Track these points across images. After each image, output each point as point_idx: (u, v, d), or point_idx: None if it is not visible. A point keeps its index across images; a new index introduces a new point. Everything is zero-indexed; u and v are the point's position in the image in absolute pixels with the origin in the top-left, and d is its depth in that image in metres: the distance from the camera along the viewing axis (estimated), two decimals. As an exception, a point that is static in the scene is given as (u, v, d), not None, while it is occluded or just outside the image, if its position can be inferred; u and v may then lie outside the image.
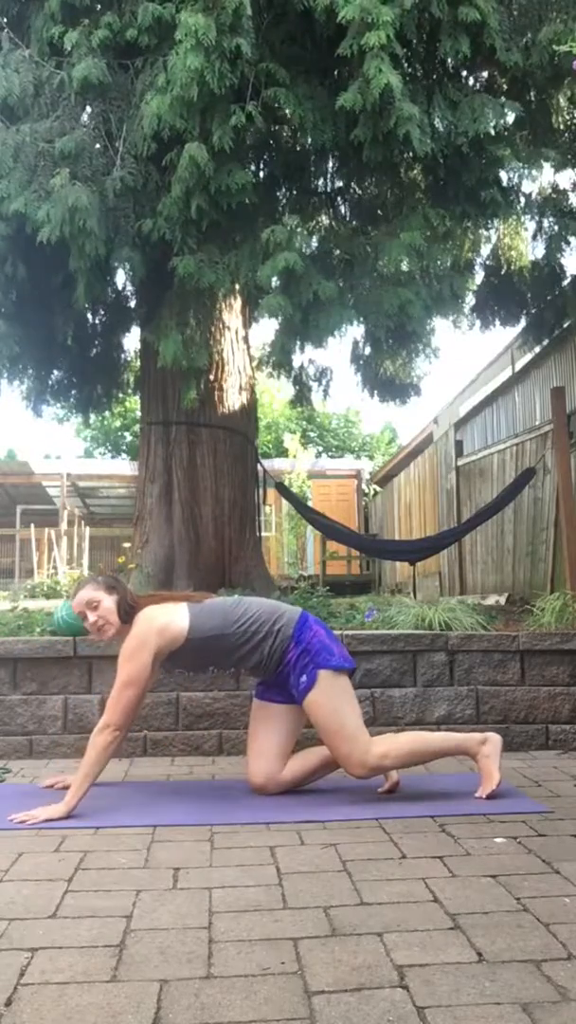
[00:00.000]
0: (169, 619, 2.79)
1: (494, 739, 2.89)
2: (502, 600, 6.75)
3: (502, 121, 4.74)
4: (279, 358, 6.93)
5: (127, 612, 2.86)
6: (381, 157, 4.43)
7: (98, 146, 4.65)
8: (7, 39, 4.85)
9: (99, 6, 4.66)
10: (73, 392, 7.23)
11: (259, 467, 6.71)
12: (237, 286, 5.16)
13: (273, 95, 4.31)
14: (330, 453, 25.27)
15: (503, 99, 4.70)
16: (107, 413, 8.19)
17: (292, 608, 2.95)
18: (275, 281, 4.55)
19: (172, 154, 4.40)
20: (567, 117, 5.64)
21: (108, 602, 2.85)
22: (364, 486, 18.05)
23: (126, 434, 24.96)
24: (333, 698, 2.77)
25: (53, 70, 4.68)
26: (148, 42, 4.41)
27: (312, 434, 25.49)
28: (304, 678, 2.77)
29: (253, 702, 3.04)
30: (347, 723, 2.77)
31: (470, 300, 6.69)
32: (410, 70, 4.62)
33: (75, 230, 4.32)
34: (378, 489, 17.27)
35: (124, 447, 25.21)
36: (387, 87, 3.94)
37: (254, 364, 7.00)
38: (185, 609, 2.83)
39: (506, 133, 4.97)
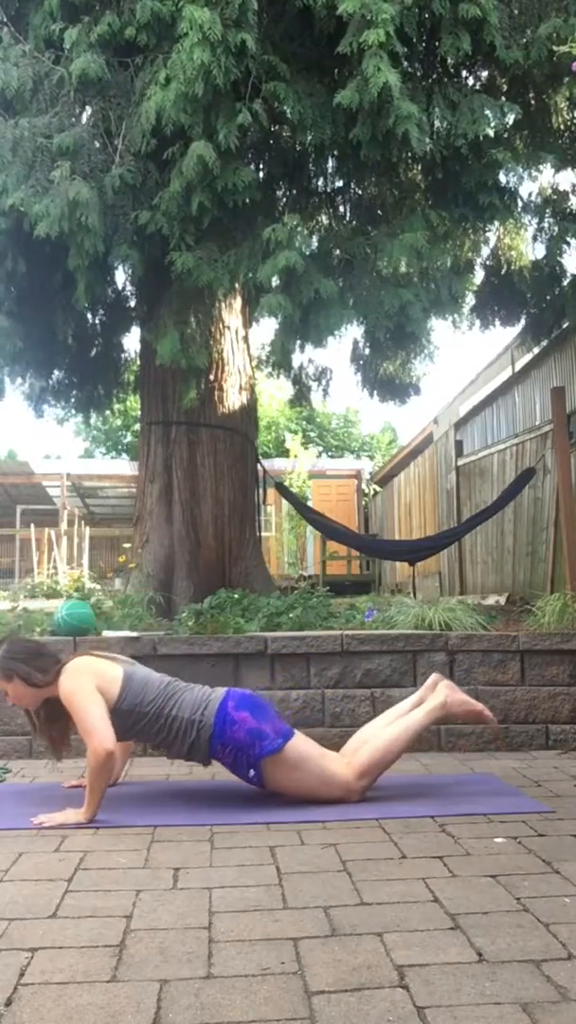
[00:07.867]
0: (103, 667, 2.78)
1: (441, 689, 2.98)
2: (502, 600, 6.74)
3: (502, 123, 4.73)
4: (279, 358, 6.93)
5: (43, 673, 2.79)
6: (379, 156, 4.42)
7: (97, 144, 4.64)
8: (6, 34, 4.84)
9: (98, 5, 4.65)
10: (74, 392, 7.23)
11: (259, 467, 6.71)
12: (237, 285, 5.16)
13: (273, 89, 4.30)
14: (330, 453, 25.25)
15: (503, 100, 4.69)
16: (108, 413, 8.18)
17: (213, 699, 2.78)
18: (275, 280, 4.54)
19: (174, 149, 4.39)
20: (567, 118, 5.64)
21: (14, 686, 2.80)
22: (364, 486, 18.05)
23: (127, 434, 24.95)
24: (288, 773, 2.73)
25: (52, 66, 4.67)
26: (147, 40, 4.41)
27: (312, 434, 25.48)
28: (252, 773, 2.73)
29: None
30: (310, 781, 2.74)
31: (470, 300, 6.69)
32: (409, 69, 4.61)
33: (75, 225, 4.31)
34: (378, 489, 17.27)
35: (124, 447, 25.21)
36: (385, 86, 3.93)
37: (254, 364, 7.00)
38: (119, 669, 2.80)
39: (505, 135, 4.95)
